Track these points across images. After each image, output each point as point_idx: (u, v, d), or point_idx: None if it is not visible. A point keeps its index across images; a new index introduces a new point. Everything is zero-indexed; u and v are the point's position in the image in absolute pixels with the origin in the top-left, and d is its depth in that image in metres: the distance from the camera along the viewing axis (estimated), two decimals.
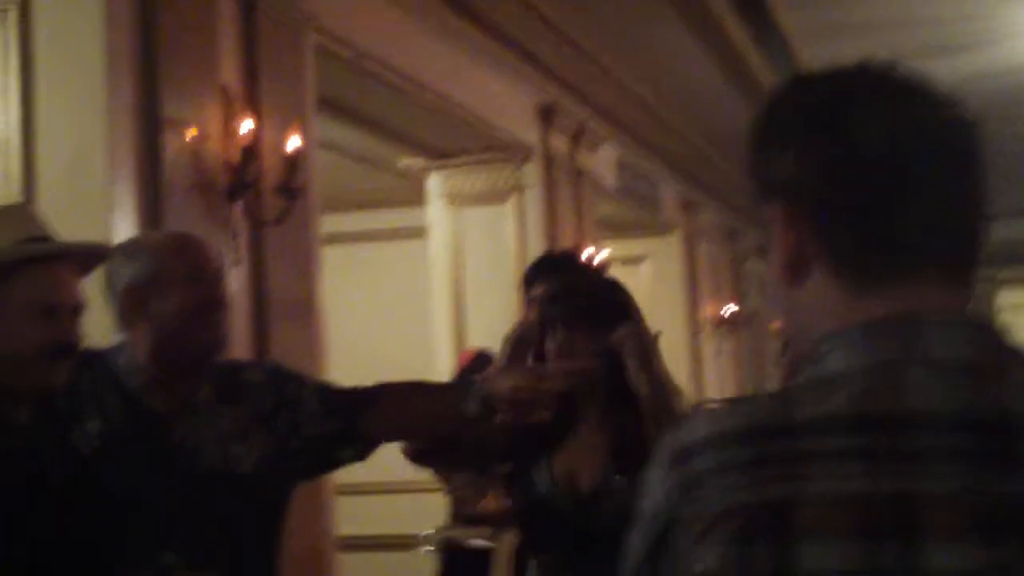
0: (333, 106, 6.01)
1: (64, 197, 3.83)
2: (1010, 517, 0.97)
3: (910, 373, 1.02)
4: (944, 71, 2.51)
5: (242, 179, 4.42)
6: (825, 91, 1.11)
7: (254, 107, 4.60)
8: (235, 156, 4.43)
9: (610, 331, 2.79)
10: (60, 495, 2.36)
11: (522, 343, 3.32)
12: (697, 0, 7.19)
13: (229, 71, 4.55)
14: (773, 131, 1.12)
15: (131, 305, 2.50)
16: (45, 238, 2.40)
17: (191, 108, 4.29)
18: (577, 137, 8.16)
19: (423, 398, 2.79)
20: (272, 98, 4.73)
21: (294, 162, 4.63)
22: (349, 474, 2.79)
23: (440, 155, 7.41)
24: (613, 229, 9.70)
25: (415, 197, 7.84)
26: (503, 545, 3.84)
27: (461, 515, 4.44)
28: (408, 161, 7.59)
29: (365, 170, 8.29)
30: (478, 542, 3.96)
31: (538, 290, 3.62)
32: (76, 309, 2.38)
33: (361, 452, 2.68)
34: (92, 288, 2.49)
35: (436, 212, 7.51)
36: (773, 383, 9.26)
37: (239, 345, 4.19)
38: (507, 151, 7.44)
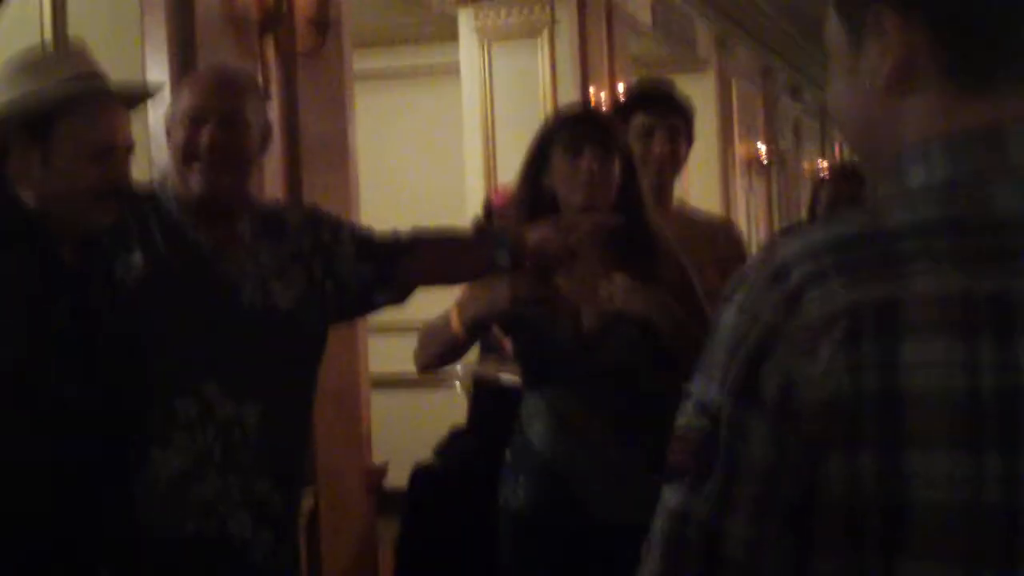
0: None
1: (95, 30, 3.78)
2: None
3: (996, 182, 1.06)
4: None
5: (275, 11, 4.37)
6: None
7: None
8: None
9: None
10: (106, 327, 2.39)
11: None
12: None
13: None
14: None
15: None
16: (94, 75, 2.38)
17: None
18: None
19: (456, 246, 2.86)
20: None
21: None
22: (382, 313, 2.85)
23: None
24: (646, 67, 9.55)
25: (448, 33, 7.73)
26: None
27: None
28: None
29: (397, 5, 8.16)
30: (509, 378, 3.99)
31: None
32: (129, 149, 2.37)
33: (399, 296, 2.73)
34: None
35: (467, 49, 7.41)
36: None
37: (271, 182, 4.20)
38: None
